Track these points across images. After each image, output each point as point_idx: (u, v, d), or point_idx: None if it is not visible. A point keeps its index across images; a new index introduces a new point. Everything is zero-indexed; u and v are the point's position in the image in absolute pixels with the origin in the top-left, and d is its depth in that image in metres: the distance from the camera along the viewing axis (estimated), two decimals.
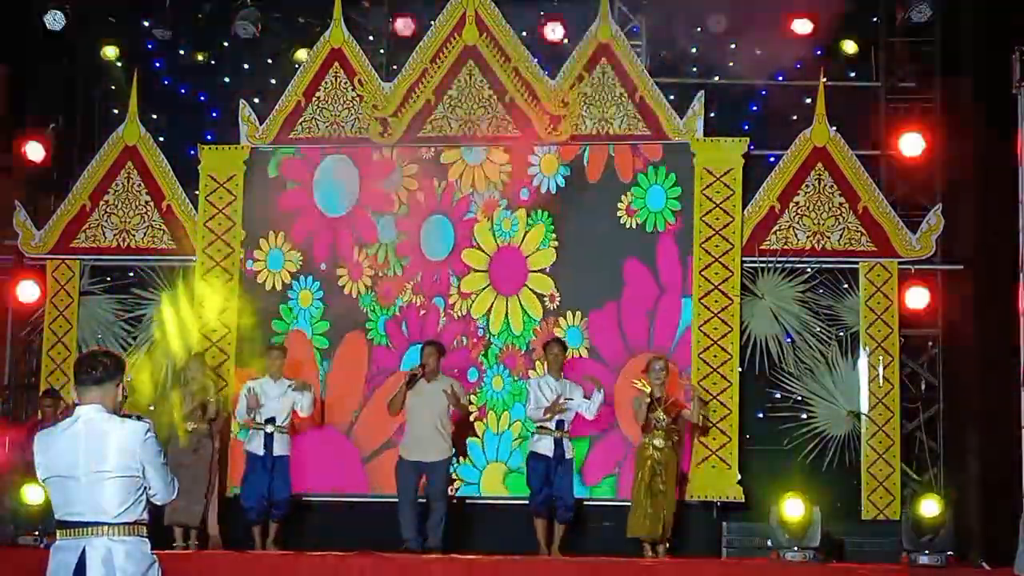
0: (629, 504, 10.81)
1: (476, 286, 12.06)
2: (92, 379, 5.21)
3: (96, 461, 5.11)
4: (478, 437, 11.84)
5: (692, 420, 10.83)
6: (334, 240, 12.24)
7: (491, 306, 12.03)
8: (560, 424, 10.85)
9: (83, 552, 5.09)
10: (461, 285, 12.06)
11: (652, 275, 11.86)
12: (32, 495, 10.55)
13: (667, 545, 10.64)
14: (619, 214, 11.92)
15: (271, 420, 11.08)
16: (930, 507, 10.32)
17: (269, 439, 11.07)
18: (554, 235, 11.99)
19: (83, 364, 5.27)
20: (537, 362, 11.73)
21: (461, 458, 11.67)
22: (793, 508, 10.34)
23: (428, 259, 12.13)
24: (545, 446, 10.87)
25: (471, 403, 11.56)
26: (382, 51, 12.77)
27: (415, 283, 12.09)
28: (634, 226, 11.91)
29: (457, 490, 11.66)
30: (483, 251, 12.10)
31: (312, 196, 12.30)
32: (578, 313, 11.86)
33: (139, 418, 5.28)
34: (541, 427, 10.90)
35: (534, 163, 12.12)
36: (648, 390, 10.73)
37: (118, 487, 5.12)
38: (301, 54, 12.70)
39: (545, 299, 11.95)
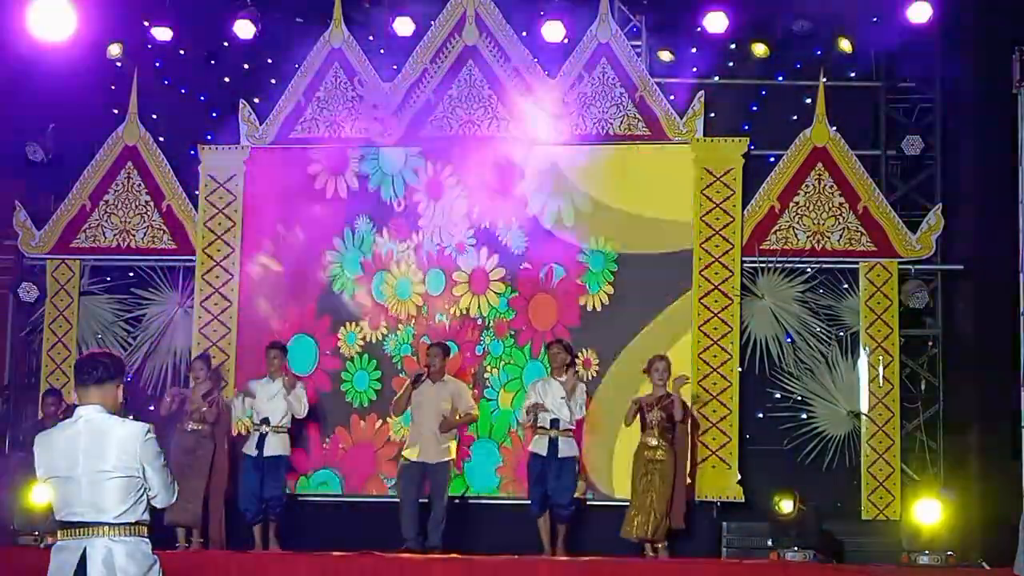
0: (628, 504, 10.82)
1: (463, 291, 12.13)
2: (92, 380, 5.22)
3: (96, 461, 5.11)
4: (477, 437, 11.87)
5: (677, 417, 10.73)
6: None
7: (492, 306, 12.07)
8: (555, 423, 10.83)
9: (83, 552, 5.09)
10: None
11: None
12: (36, 496, 10.54)
13: (665, 543, 10.63)
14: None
15: (265, 420, 11.06)
16: (930, 507, 10.31)
17: (262, 439, 11.03)
18: None
19: (83, 365, 5.29)
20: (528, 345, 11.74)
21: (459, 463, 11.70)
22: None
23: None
24: (540, 445, 10.87)
25: (472, 411, 11.47)
26: (382, 51, 12.77)
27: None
28: None
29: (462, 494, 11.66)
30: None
31: None
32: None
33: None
34: (540, 427, 10.90)
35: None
36: (655, 392, 10.74)
37: (118, 487, 5.13)
38: (300, 54, 12.69)
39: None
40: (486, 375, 11.97)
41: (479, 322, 12.01)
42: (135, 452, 5.15)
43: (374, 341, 12.13)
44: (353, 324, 12.16)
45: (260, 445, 11.02)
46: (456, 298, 12.04)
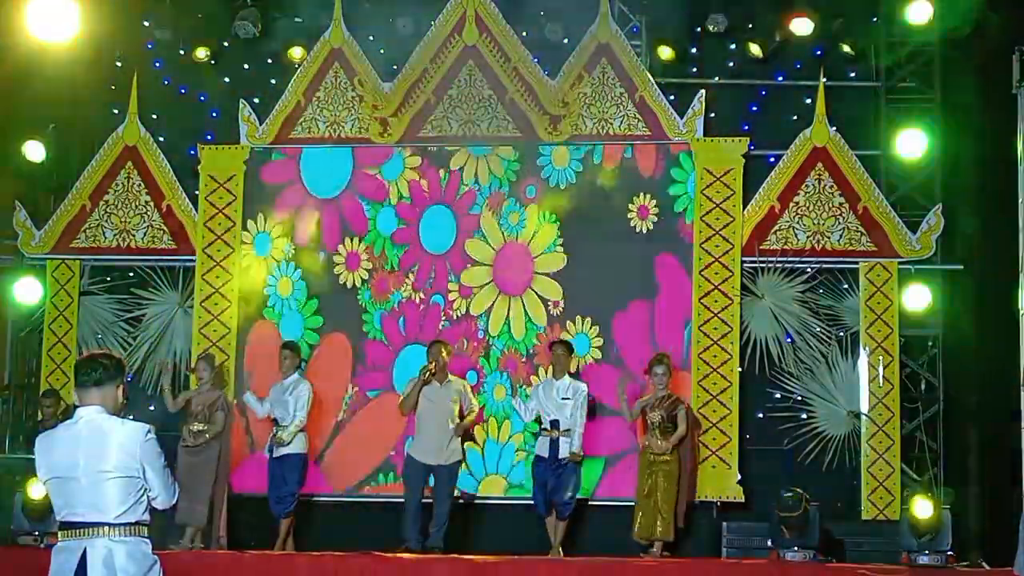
0: (629, 504, 10.83)
1: (478, 281, 12.05)
2: (92, 380, 5.23)
3: (97, 461, 5.11)
4: (478, 444, 11.83)
5: (681, 431, 10.76)
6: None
7: (492, 305, 12.03)
8: (555, 424, 10.84)
9: (84, 553, 5.09)
10: (462, 278, 12.05)
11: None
12: (34, 494, 10.55)
13: (670, 539, 10.63)
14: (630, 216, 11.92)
15: (276, 421, 11.09)
16: (929, 507, 10.31)
17: (273, 439, 11.09)
18: (562, 240, 11.98)
19: (83, 366, 5.29)
20: (540, 368, 11.73)
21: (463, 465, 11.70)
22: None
23: (428, 252, 12.13)
24: (542, 447, 10.90)
25: (474, 407, 11.45)
26: (382, 51, 12.77)
27: (413, 279, 12.10)
28: (647, 229, 11.91)
29: (459, 499, 11.65)
30: (489, 245, 12.10)
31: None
32: (588, 319, 11.86)
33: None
34: (542, 429, 10.92)
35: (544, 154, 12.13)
36: (656, 392, 10.74)
37: (118, 487, 5.13)
38: (295, 53, 12.69)
39: (549, 304, 11.95)
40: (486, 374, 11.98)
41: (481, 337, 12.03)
42: (135, 452, 5.15)
43: None
44: None
45: (271, 446, 11.06)
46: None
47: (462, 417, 11.07)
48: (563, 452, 10.81)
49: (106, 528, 5.12)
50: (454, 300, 12.05)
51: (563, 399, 10.85)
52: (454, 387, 11.07)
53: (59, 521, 5.19)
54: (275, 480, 11.06)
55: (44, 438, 5.29)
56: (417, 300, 12.10)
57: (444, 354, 11.05)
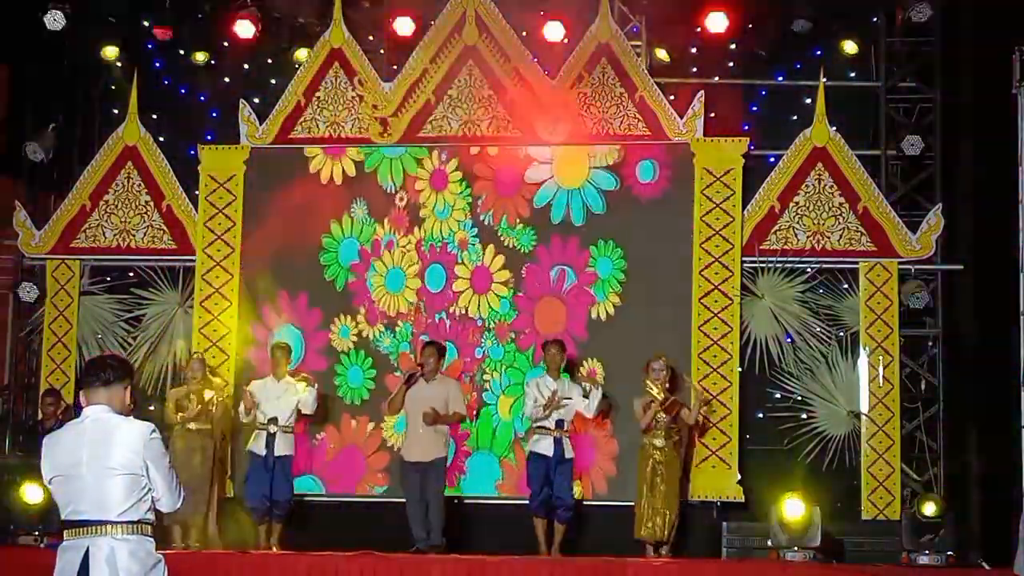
0: (629, 504, 10.82)
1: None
2: (100, 381, 5.25)
3: (101, 457, 5.13)
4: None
5: (689, 421, 10.81)
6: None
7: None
8: (560, 423, 10.84)
9: (87, 552, 5.10)
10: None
11: None
12: (32, 494, 10.55)
13: (669, 544, 10.64)
14: None
15: (273, 420, 11.08)
16: (929, 507, 10.31)
17: (271, 439, 11.06)
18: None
19: (92, 367, 5.35)
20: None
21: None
22: (793, 508, 10.33)
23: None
24: (545, 446, 10.86)
25: (461, 408, 11.40)
26: (382, 51, 12.77)
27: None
28: None
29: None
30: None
31: None
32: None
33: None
34: (540, 427, 10.89)
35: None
36: (655, 393, 10.73)
37: (122, 485, 5.13)
38: (301, 54, 12.70)
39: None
40: (486, 378, 11.96)
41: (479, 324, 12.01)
42: (139, 450, 5.16)
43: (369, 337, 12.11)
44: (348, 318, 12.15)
45: (269, 445, 11.05)
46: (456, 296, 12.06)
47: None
48: (568, 453, 10.82)
49: (109, 526, 5.12)
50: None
51: (566, 398, 10.84)
52: (444, 386, 11.05)
53: (63, 520, 5.21)
54: (264, 480, 11.01)
55: (51, 438, 5.33)
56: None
57: (436, 356, 11.03)
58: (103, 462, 5.12)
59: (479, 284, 12.05)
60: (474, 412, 11.71)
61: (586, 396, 10.96)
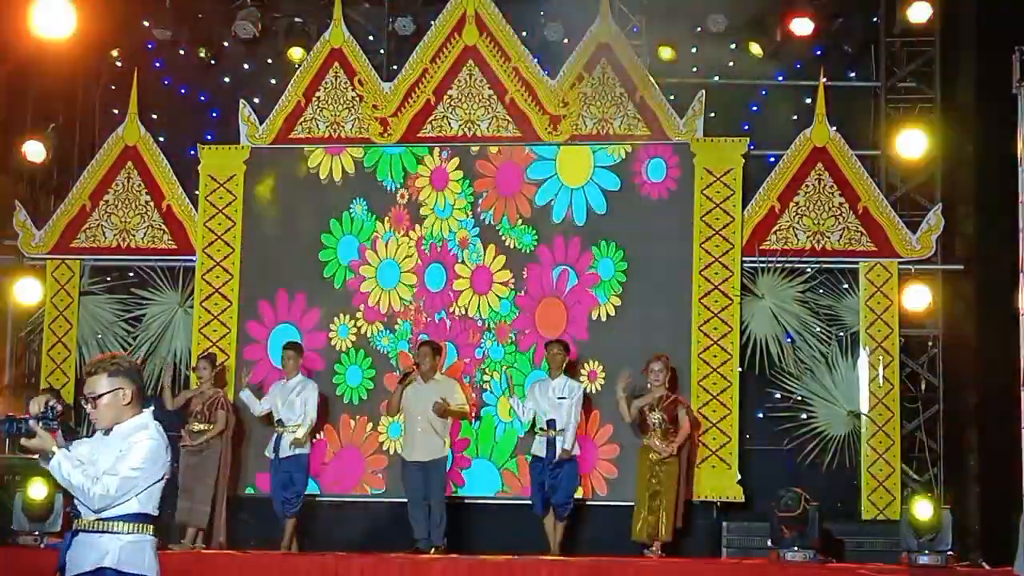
0: (629, 504, 10.83)
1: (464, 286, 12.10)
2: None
3: (105, 457, 5.18)
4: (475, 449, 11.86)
5: (680, 439, 10.81)
6: None
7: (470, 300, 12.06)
8: (552, 424, 10.84)
9: (89, 547, 5.11)
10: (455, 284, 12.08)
11: None
12: (34, 494, 10.55)
13: (669, 540, 10.63)
14: None
15: (279, 422, 11.09)
16: (929, 507, 10.31)
17: (278, 439, 11.09)
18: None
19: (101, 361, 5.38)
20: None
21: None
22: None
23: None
24: (539, 447, 10.90)
25: (463, 406, 11.41)
26: (382, 51, 12.77)
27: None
28: None
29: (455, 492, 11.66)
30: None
31: None
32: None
33: None
34: (539, 428, 10.92)
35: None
36: (654, 393, 10.74)
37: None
38: (295, 53, 12.70)
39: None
40: (486, 378, 11.95)
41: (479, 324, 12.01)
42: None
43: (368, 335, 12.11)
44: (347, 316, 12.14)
45: (276, 447, 11.05)
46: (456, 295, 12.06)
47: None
48: (568, 450, 10.83)
49: (108, 522, 5.13)
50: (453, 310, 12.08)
51: (559, 398, 10.86)
52: (442, 385, 11.05)
53: (71, 515, 5.26)
54: (282, 480, 11.05)
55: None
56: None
57: (431, 355, 11.02)
58: (104, 462, 5.20)
59: (479, 284, 12.05)
60: (473, 413, 11.70)
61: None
